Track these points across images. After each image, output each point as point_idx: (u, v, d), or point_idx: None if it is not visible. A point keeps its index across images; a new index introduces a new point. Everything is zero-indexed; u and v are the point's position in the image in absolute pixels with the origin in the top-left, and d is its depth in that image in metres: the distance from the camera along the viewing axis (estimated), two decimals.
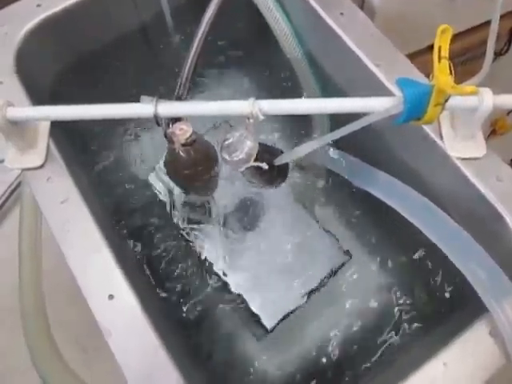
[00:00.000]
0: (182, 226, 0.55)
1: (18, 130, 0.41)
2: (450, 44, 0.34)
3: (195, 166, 0.42)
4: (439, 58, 0.35)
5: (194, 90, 0.63)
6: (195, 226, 0.55)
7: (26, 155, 0.43)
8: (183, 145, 0.39)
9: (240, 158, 0.39)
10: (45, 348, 0.47)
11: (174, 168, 0.44)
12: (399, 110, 0.36)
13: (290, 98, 0.38)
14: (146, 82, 0.59)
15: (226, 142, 0.39)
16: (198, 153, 0.41)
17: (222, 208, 0.57)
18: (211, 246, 0.55)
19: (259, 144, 0.44)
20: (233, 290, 0.53)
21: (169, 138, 0.40)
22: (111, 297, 0.38)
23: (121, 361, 0.37)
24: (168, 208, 0.56)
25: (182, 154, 0.40)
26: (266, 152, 0.43)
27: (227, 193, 0.57)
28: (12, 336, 0.59)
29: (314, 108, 0.40)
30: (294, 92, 0.56)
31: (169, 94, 0.46)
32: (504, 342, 0.36)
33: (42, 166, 0.43)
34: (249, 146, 0.39)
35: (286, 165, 0.50)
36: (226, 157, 0.39)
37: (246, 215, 0.57)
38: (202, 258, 0.54)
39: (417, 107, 0.36)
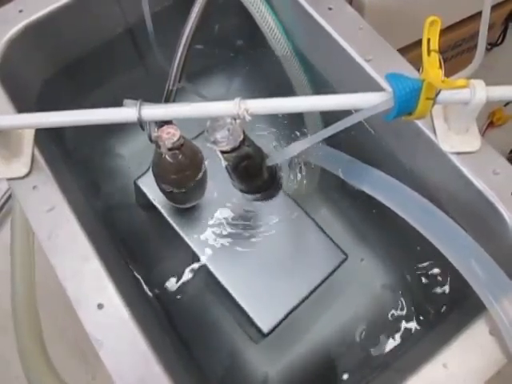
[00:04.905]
0: (174, 229, 0.54)
1: (1, 138, 0.40)
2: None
3: (183, 171, 0.41)
4: (428, 51, 0.34)
5: (184, 93, 0.62)
6: (188, 229, 0.55)
7: (11, 164, 0.42)
8: (170, 149, 0.38)
9: (210, 140, 0.39)
10: (37, 361, 0.46)
11: (160, 173, 0.43)
12: (390, 105, 0.35)
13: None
14: (133, 85, 0.58)
15: (215, 123, 0.39)
16: (185, 157, 0.40)
17: (216, 209, 0.56)
18: (205, 249, 0.54)
19: (250, 146, 0.44)
20: (228, 292, 0.52)
21: (155, 142, 0.39)
22: (100, 306, 0.38)
23: (112, 371, 0.36)
24: (159, 212, 0.55)
25: (168, 158, 0.39)
26: (249, 157, 0.43)
27: (221, 194, 0.56)
28: (15, 344, 0.59)
29: (303, 106, 0.39)
30: (286, 90, 0.55)
31: (158, 98, 0.45)
32: (504, 341, 0.35)
33: (27, 175, 0.42)
34: (222, 135, 0.38)
35: (274, 174, 0.49)
36: (206, 133, 0.39)
37: (241, 216, 0.56)
38: (196, 261, 0.54)
39: (407, 102, 0.35)
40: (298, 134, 0.62)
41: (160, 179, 0.44)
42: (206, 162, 0.44)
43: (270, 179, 0.53)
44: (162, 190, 0.46)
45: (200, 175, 0.44)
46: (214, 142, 0.39)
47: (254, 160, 0.46)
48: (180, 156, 0.39)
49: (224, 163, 0.42)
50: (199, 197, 0.51)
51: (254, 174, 0.49)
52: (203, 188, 0.49)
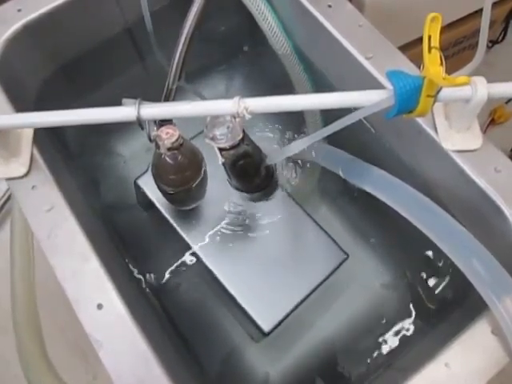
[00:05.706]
0: (175, 229, 0.54)
1: None
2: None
3: (182, 172, 0.41)
4: (429, 48, 0.33)
5: (183, 93, 0.62)
6: (188, 228, 0.54)
7: (10, 164, 0.42)
8: (169, 149, 0.38)
9: (209, 136, 0.39)
10: (37, 361, 0.46)
11: (160, 173, 0.43)
12: (390, 103, 0.35)
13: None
14: (133, 84, 0.58)
15: (215, 119, 0.39)
16: (184, 157, 0.40)
17: (216, 209, 0.55)
18: (205, 248, 0.53)
19: (249, 145, 0.43)
20: (229, 292, 0.52)
21: (154, 142, 0.39)
22: (100, 306, 0.37)
23: (112, 371, 0.36)
24: (159, 211, 0.54)
25: (168, 158, 0.39)
26: (247, 156, 0.43)
27: (221, 193, 0.55)
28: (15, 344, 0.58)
29: (303, 104, 0.38)
30: (286, 89, 0.55)
31: (157, 97, 0.45)
32: (506, 340, 0.35)
33: (26, 175, 0.42)
34: (221, 132, 0.38)
35: (271, 174, 0.49)
36: (205, 129, 0.39)
37: (241, 216, 0.56)
38: (196, 260, 0.53)
39: (408, 100, 0.35)
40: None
41: (159, 180, 0.44)
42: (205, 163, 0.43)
43: (266, 179, 0.52)
44: (161, 192, 0.46)
45: (200, 177, 0.43)
46: (212, 139, 0.39)
47: (253, 159, 0.46)
48: (179, 157, 0.39)
49: (221, 160, 0.42)
50: (199, 198, 0.51)
51: (251, 173, 0.49)
52: (203, 189, 0.49)
